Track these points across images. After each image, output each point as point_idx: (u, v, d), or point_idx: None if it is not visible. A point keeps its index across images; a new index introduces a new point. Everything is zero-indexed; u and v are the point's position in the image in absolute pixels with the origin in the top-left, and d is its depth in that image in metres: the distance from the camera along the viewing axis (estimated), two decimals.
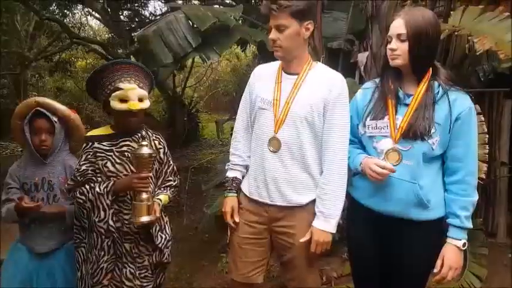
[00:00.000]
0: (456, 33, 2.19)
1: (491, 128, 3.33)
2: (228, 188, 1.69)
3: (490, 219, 3.46)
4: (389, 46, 1.46)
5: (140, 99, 1.60)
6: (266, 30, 3.84)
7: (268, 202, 1.58)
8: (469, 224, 1.44)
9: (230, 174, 1.72)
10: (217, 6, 7.71)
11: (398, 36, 1.42)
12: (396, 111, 1.47)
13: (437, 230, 1.48)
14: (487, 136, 2.20)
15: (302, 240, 1.54)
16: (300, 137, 1.52)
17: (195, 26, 3.03)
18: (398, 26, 1.43)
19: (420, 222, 1.46)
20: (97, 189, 1.59)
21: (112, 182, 1.61)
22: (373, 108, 1.53)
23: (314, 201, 1.56)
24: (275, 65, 1.64)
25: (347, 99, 1.55)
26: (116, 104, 1.57)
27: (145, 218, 1.56)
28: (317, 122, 1.52)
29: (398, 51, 1.43)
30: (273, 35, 1.49)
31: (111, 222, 1.60)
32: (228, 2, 7.73)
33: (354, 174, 1.60)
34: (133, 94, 1.58)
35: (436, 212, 1.47)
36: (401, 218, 1.48)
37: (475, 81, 3.31)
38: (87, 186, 1.61)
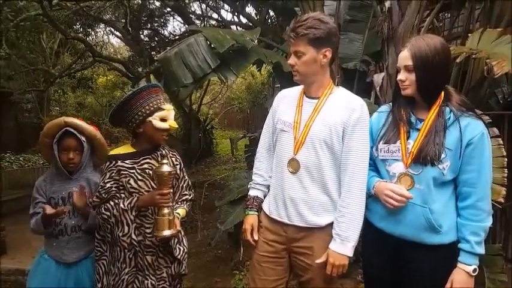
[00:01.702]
0: (474, 56, 2.18)
1: (511, 151, 3.27)
2: (249, 206, 1.73)
3: (510, 244, 3.36)
4: (398, 77, 1.50)
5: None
6: (281, 52, 3.94)
7: (287, 222, 1.60)
8: (480, 250, 1.41)
9: (252, 193, 1.76)
10: (235, 26, 7.92)
11: (406, 67, 1.47)
12: (409, 136, 1.50)
13: (450, 254, 1.46)
14: (506, 159, 2.17)
15: (318, 261, 1.54)
16: (319, 159, 1.54)
17: (213, 47, 3.13)
18: (404, 57, 1.47)
19: (432, 246, 1.45)
20: (121, 205, 1.66)
21: (135, 198, 1.67)
22: (386, 132, 1.56)
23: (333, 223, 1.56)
24: (298, 89, 1.69)
25: (367, 123, 1.56)
26: (157, 123, 1.69)
27: (167, 232, 1.63)
28: (336, 145, 1.54)
29: (407, 81, 1.47)
30: (291, 60, 1.56)
31: (134, 236, 1.67)
32: (245, 23, 7.92)
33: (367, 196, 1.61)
34: (172, 114, 1.76)
35: (448, 236, 1.46)
36: (413, 241, 1.48)
37: (494, 104, 3.29)
38: (112, 203, 1.68)
